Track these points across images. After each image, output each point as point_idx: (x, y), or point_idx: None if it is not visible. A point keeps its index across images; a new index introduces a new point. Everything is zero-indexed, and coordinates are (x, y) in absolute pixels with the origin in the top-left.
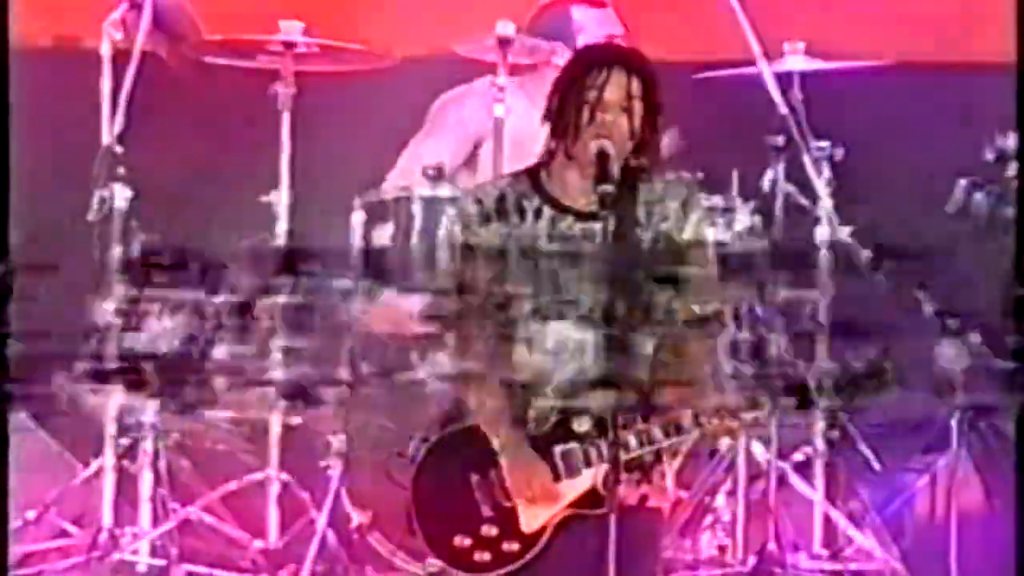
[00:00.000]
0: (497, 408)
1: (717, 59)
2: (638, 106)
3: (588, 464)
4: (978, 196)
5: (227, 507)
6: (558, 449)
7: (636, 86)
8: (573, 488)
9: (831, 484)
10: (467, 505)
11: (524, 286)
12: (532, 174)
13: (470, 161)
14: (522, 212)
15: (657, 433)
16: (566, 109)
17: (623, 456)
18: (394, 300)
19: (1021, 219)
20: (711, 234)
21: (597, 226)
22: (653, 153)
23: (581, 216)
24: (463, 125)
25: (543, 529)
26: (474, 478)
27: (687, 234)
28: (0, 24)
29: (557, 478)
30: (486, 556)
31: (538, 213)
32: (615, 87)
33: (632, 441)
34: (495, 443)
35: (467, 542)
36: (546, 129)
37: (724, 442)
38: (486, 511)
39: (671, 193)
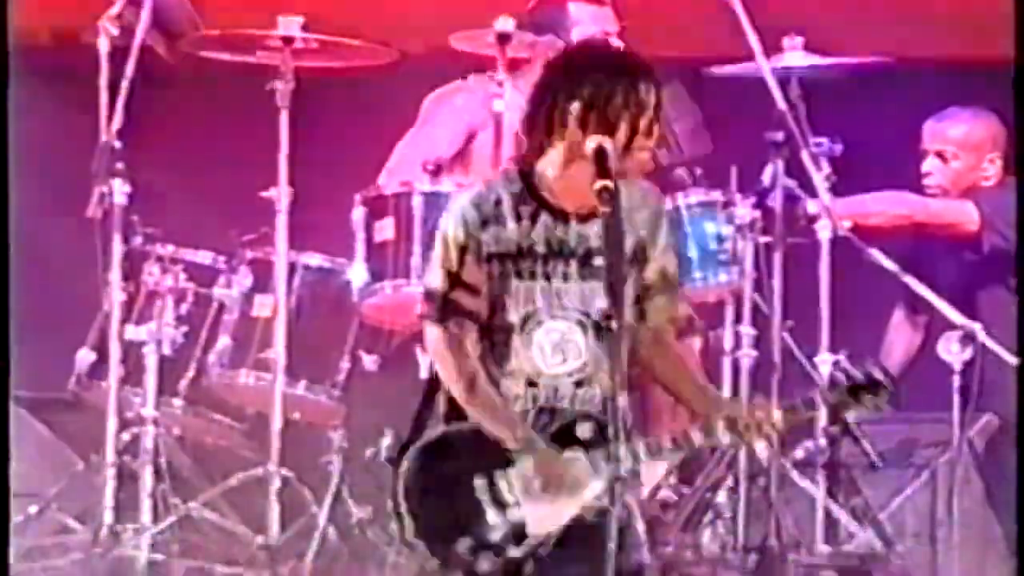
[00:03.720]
0: (503, 409)
1: (716, 55)
2: (643, 108)
3: (596, 472)
4: None
5: (228, 503)
6: (563, 456)
7: (642, 88)
8: (583, 496)
9: (832, 481)
10: (470, 509)
11: (521, 290)
12: (524, 177)
13: (464, 154)
14: (519, 217)
15: (666, 441)
16: (570, 109)
17: (631, 465)
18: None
19: (1021, 218)
20: (674, 241)
21: (592, 227)
22: (654, 156)
23: (580, 218)
24: (456, 117)
25: (549, 535)
26: (478, 482)
27: (659, 245)
28: None
29: None
30: (487, 563)
31: (534, 217)
32: (620, 88)
33: (641, 450)
34: (511, 443)
35: (470, 547)
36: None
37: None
38: (491, 516)
39: (646, 201)
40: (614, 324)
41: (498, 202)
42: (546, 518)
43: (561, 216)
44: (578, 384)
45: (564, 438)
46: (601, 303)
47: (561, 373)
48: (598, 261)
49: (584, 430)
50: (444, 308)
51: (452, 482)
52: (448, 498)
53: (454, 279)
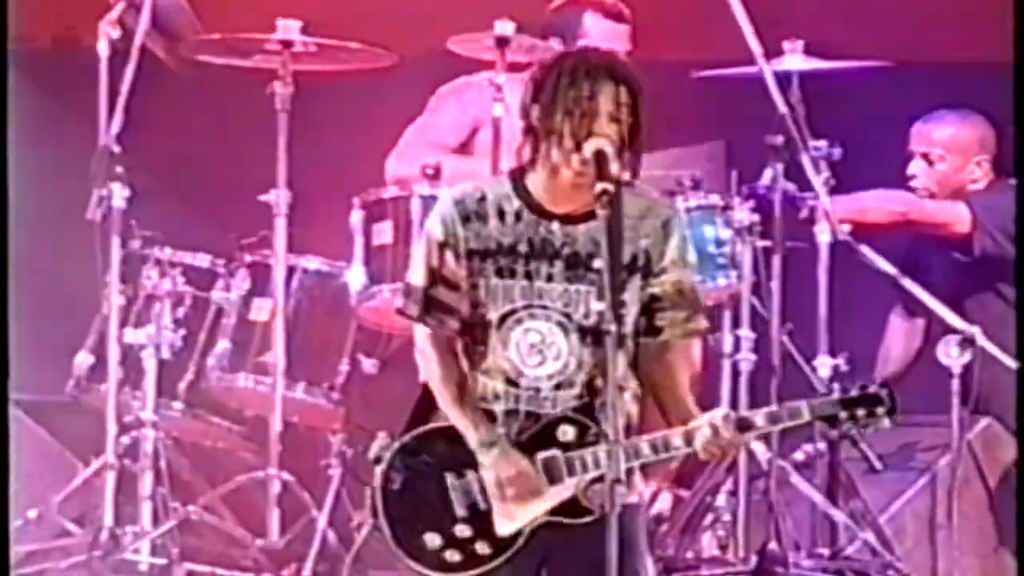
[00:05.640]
0: (469, 408)
1: (717, 58)
2: (626, 116)
3: (571, 473)
4: None
5: (228, 506)
6: (540, 456)
7: (624, 96)
8: (553, 496)
9: (832, 483)
10: (440, 504)
11: (500, 288)
12: (514, 177)
13: (468, 146)
14: (502, 214)
15: (645, 448)
16: (555, 113)
17: (610, 466)
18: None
19: (1021, 218)
20: (693, 257)
21: (580, 229)
22: (635, 165)
23: (566, 220)
24: (463, 108)
25: (518, 534)
26: (449, 478)
27: (668, 256)
28: None
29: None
30: (456, 556)
31: (518, 216)
32: (606, 95)
33: (620, 455)
34: (472, 442)
35: (438, 542)
36: (523, 131)
37: None
38: (460, 511)
39: (653, 211)
40: (611, 328)
41: (482, 199)
42: (511, 517)
43: (546, 216)
44: (558, 387)
45: (544, 440)
46: (593, 306)
47: (542, 375)
48: (591, 264)
49: (565, 432)
50: (424, 304)
51: (427, 479)
52: (422, 494)
53: (434, 275)
